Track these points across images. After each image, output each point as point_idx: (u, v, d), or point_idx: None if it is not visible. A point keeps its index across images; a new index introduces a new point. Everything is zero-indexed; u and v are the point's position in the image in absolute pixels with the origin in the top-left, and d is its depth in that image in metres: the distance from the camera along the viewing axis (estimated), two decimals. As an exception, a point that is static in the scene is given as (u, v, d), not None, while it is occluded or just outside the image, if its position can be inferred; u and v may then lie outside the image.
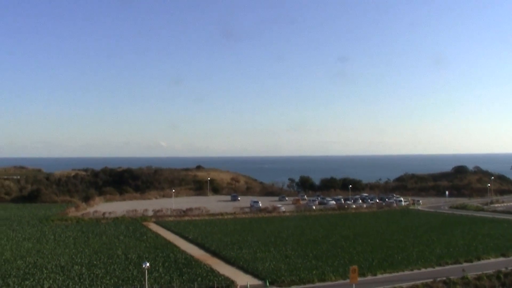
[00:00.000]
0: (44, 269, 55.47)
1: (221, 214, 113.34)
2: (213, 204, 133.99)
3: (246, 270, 56.56)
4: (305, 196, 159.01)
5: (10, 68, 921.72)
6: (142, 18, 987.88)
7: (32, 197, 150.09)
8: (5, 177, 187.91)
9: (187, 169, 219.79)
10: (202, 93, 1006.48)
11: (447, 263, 59.48)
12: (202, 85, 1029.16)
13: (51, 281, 49.65)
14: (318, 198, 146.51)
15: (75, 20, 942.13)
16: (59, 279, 50.78)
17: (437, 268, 57.59)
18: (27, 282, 49.18)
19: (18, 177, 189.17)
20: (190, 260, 61.84)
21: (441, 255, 64.17)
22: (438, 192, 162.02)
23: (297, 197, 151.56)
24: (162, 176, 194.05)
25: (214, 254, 67.43)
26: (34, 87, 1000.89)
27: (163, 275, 52.85)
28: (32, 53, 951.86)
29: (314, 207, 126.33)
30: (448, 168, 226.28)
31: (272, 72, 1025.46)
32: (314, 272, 53.98)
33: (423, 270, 56.49)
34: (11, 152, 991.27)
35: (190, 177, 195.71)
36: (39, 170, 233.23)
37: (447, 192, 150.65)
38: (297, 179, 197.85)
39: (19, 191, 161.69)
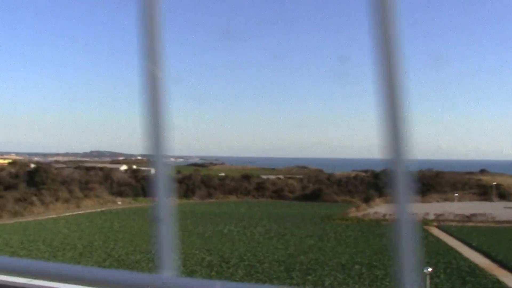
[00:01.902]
0: (325, 266, 57.20)
1: (509, 221, 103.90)
2: (500, 210, 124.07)
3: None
4: None
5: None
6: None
7: (314, 196, 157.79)
8: (289, 176, 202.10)
9: (470, 173, 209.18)
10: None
11: None
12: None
13: (332, 278, 51.08)
14: None
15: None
16: (339, 277, 51.93)
17: None
18: (309, 277, 51.40)
19: (301, 176, 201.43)
20: (474, 269, 57.66)
21: None
22: None
23: None
24: (444, 179, 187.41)
25: (501, 264, 61.76)
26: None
27: (444, 281, 50.36)
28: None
29: None
30: None
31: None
32: None
33: None
34: (294, 152, 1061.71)
35: (474, 181, 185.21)
36: (320, 170, 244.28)
37: None
38: None
39: (301, 190, 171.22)
